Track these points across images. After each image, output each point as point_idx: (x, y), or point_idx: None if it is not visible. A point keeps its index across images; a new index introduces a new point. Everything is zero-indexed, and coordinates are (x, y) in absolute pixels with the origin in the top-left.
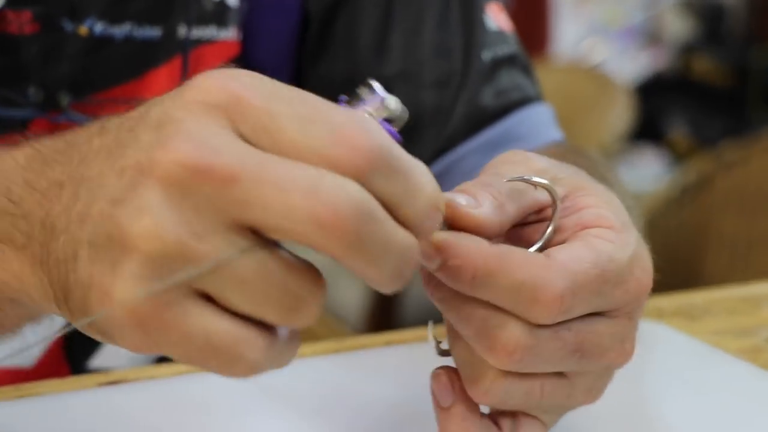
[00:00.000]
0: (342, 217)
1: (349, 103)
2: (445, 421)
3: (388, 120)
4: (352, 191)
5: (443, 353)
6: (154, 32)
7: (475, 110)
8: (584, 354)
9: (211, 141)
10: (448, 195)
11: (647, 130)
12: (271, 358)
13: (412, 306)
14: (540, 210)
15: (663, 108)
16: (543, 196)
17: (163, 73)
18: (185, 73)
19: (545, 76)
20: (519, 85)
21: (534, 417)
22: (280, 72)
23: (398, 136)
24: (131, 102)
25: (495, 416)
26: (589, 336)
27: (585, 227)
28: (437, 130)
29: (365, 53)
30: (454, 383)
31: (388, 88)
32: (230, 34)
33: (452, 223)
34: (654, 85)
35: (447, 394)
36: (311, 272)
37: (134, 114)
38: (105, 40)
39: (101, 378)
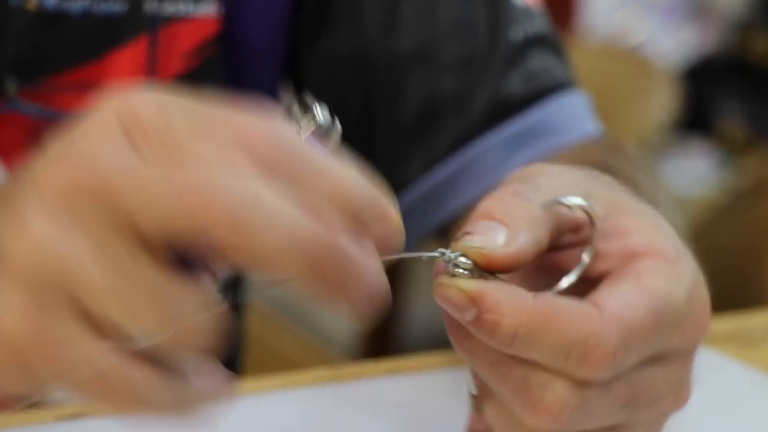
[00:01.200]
0: (216, 206)
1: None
2: None
3: (322, 134)
4: (235, 185)
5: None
6: (117, 6)
7: (500, 98)
8: (637, 405)
9: (99, 157)
10: (475, 230)
11: (694, 121)
12: (177, 397)
13: (416, 327)
14: (575, 229)
15: (713, 95)
16: (578, 215)
17: (126, 54)
18: (154, 56)
19: (573, 58)
20: (550, 68)
21: None
22: (272, 51)
23: (325, 149)
24: (91, 88)
25: None
26: (643, 386)
27: (634, 257)
28: (456, 120)
29: (372, 28)
30: None
31: (400, 69)
32: (209, 9)
33: (481, 262)
34: (703, 68)
35: None
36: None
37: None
38: (59, 16)
39: (61, 411)
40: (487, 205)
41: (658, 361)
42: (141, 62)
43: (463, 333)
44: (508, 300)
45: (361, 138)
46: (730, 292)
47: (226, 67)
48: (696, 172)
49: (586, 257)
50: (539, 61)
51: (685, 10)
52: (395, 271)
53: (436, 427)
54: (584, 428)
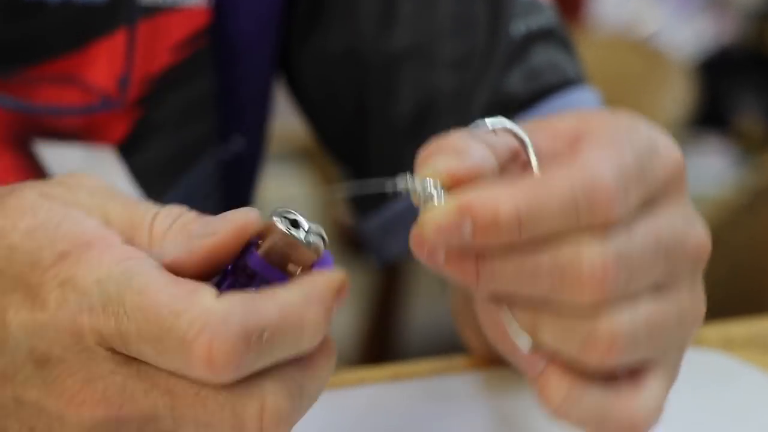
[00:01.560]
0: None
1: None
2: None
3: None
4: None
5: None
6: None
7: (500, 96)
8: (667, 247)
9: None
10: (430, 157)
11: (710, 117)
12: None
13: (418, 332)
14: (514, 158)
15: (730, 89)
16: (506, 140)
17: (105, 46)
18: (131, 51)
19: (582, 50)
20: (556, 63)
21: (654, 367)
22: (263, 44)
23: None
24: (69, 81)
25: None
26: (662, 225)
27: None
28: (454, 120)
29: (367, 25)
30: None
31: (395, 67)
32: None
33: (448, 182)
34: (718, 61)
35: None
36: None
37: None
38: (36, 4)
39: None
40: (432, 143)
41: (657, 201)
42: (116, 60)
43: (473, 260)
44: (493, 194)
45: (354, 136)
46: (747, 294)
47: (216, 59)
48: (712, 170)
49: (534, 161)
50: (544, 57)
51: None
52: (397, 277)
53: None
54: (633, 287)
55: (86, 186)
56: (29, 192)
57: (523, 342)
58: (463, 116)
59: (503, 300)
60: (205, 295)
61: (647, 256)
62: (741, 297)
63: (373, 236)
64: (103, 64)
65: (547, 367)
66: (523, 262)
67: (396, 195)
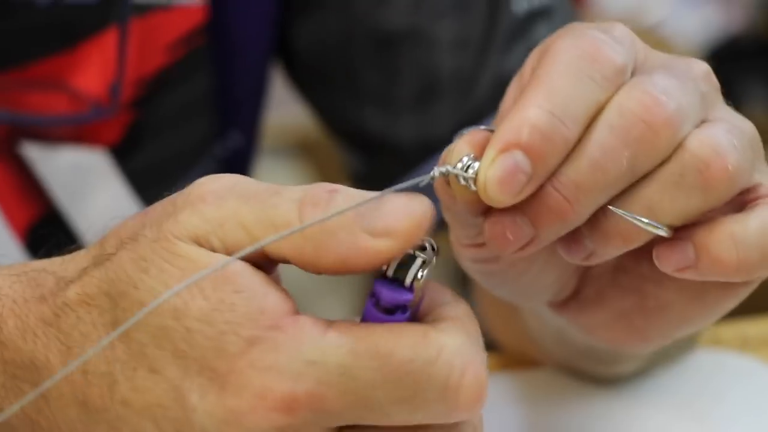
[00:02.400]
0: None
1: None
2: None
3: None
4: None
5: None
6: None
7: (504, 76)
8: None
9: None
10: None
11: None
12: None
13: None
14: None
15: (738, 78)
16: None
17: (95, 47)
18: (123, 52)
19: None
20: None
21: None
22: (261, 36)
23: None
24: (56, 86)
25: None
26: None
27: None
28: (457, 101)
29: (363, 6)
30: None
31: (394, 48)
32: None
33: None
34: (727, 49)
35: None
36: None
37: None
38: (23, 4)
39: None
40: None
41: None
42: (111, 55)
43: (554, 195)
44: (513, 116)
45: (354, 119)
46: (764, 293)
47: (214, 56)
48: None
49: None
50: (547, 33)
51: None
52: None
53: None
54: (692, 114)
55: (209, 197)
56: (176, 244)
57: (662, 230)
58: (467, 96)
59: (604, 211)
60: (434, 332)
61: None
62: (757, 296)
63: None
64: (94, 67)
65: (696, 237)
66: (595, 148)
67: (404, 175)
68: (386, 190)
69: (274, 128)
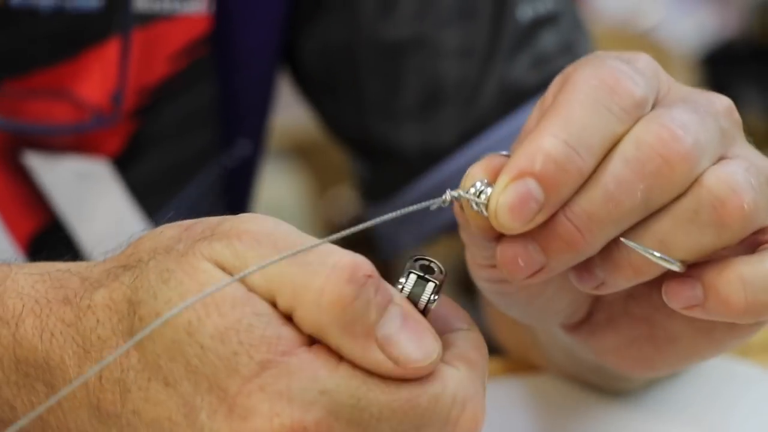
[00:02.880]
0: None
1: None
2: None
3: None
4: None
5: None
6: (92, 2)
7: (509, 84)
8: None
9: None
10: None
11: None
12: None
13: None
14: None
15: (733, 83)
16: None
17: (97, 56)
18: (125, 61)
19: None
20: (568, 47)
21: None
22: (267, 47)
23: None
24: (58, 95)
25: None
26: (685, 96)
27: None
28: (462, 109)
29: (368, 14)
30: None
31: (398, 57)
32: (199, 6)
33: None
34: (721, 54)
35: None
36: None
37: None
38: (26, 12)
39: None
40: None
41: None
42: (113, 64)
43: (567, 225)
44: (528, 145)
45: (359, 127)
46: None
47: (219, 66)
48: None
49: None
50: (552, 42)
51: None
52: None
53: None
54: (709, 149)
55: (246, 237)
56: (201, 261)
57: (674, 265)
58: (471, 104)
59: (617, 242)
60: (442, 366)
61: (702, 120)
62: None
63: (385, 225)
64: (96, 76)
65: (706, 276)
66: (609, 180)
67: (409, 184)
68: (335, 237)
69: (271, 131)
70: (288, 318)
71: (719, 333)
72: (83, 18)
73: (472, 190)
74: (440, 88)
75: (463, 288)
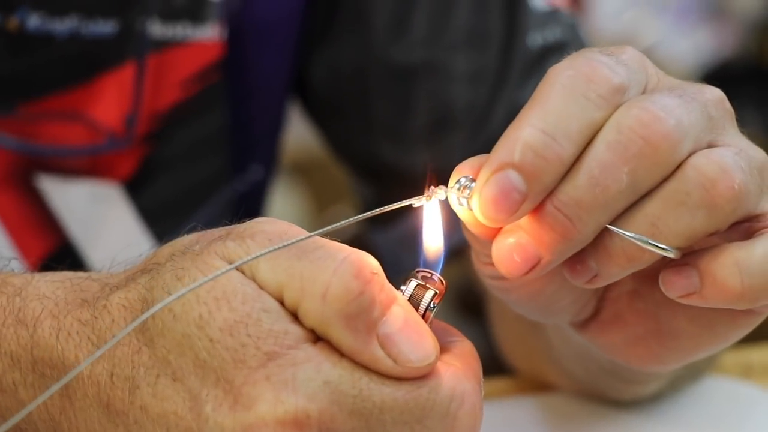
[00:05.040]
0: None
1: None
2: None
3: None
4: None
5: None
6: (108, 27)
7: (518, 109)
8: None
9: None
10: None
11: None
12: None
13: None
14: None
15: (730, 102)
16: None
17: (112, 80)
18: (140, 86)
19: None
20: None
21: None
22: (279, 76)
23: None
24: (72, 117)
25: None
26: (669, 84)
27: None
28: (471, 133)
29: (379, 38)
30: None
31: (409, 81)
32: (209, 32)
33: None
34: (719, 73)
35: None
36: None
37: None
38: (42, 38)
39: None
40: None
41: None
42: (128, 89)
43: (555, 214)
44: (505, 139)
45: (367, 149)
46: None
47: (233, 92)
48: None
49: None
50: None
51: (699, 10)
52: None
53: None
54: (693, 133)
55: (259, 236)
56: (215, 259)
57: (669, 251)
58: (481, 129)
59: (608, 232)
60: (440, 363)
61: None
62: (761, 323)
63: (388, 249)
64: (111, 100)
65: (701, 263)
66: (593, 165)
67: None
68: (318, 231)
69: None
70: (294, 316)
71: (721, 326)
72: (98, 43)
73: (456, 186)
74: (450, 112)
75: (462, 309)
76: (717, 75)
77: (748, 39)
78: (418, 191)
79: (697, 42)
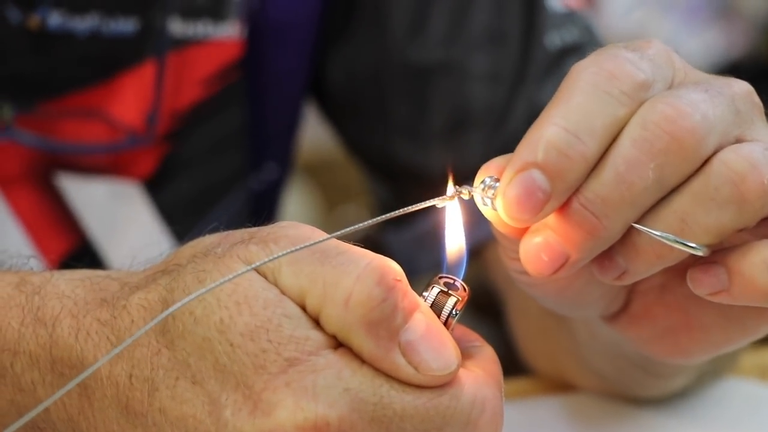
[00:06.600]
0: None
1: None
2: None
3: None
4: None
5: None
6: (129, 26)
7: (538, 109)
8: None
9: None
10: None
11: None
12: None
13: None
14: None
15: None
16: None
17: (132, 79)
18: (160, 84)
19: None
20: None
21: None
22: (296, 72)
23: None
24: (92, 115)
25: None
26: (695, 78)
27: None
28: (489, 133)
29: (397, 37)
30: None
31: (426, 80)
32: (229, 30)
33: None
34: (729, 74)
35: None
36: None
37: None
38: (63, 36)
39: None
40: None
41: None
42: (148, 87)
43: (583, 212)
44: (528, 139)
45: (383, 149)
46: None
47: (250, 91)
48: None
49: None
50: None
51: (708, 10)
52: None
53: None
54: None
55: (283, 241)
56: (236, 263)
57: (698, 249)
58: (499, 128)
59: (636, 230)
60: (461, 370)
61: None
62: None
63: (402, 249)
64: (131, 98)
65: (730, 261)
66: (619, 161)
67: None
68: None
69: None
70: (316, 322)
71: (750, 321)
72: (119, 41)
73: (481, 186)
74: (468, 111)
75: (481, 311)
76: (726, 75)
77: (757, 38)
78: (435, 192)
79: (707, 41)
